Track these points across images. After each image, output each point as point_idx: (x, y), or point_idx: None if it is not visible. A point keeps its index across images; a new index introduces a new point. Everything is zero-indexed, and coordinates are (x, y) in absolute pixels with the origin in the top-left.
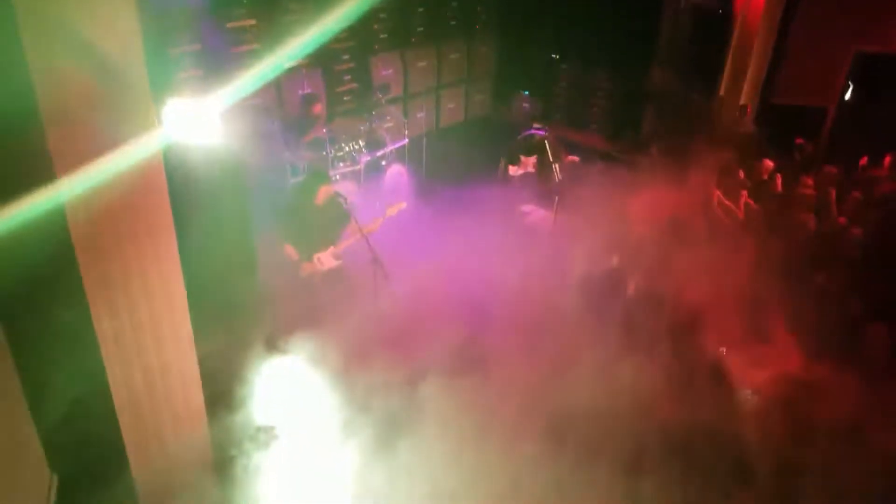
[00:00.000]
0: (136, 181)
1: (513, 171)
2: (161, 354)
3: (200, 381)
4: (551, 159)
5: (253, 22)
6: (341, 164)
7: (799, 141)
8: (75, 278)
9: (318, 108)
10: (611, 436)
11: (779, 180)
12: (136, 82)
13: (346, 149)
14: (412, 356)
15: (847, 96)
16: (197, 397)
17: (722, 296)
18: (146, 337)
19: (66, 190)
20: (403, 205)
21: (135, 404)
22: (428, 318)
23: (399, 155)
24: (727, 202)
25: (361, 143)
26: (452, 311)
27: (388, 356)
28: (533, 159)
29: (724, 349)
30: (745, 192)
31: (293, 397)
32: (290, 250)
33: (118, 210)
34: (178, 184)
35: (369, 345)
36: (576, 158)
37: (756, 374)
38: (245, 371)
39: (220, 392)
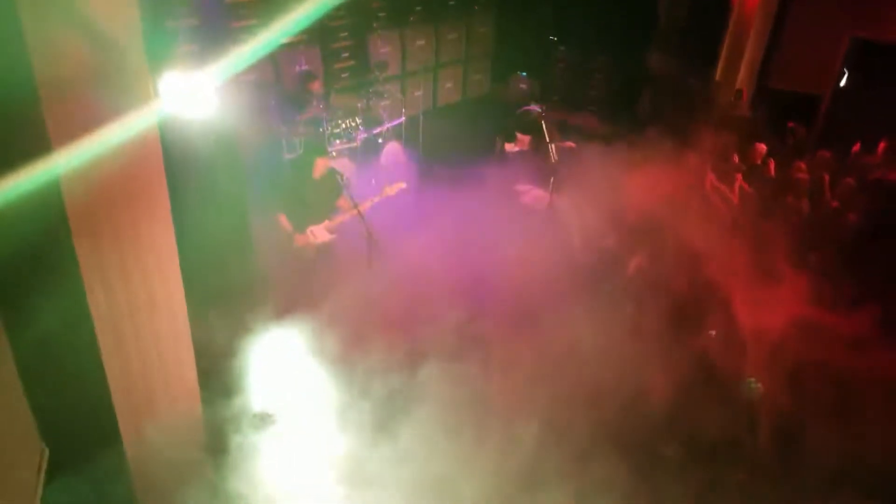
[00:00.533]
0: (132, 154)
1: (509, 147)
2: (155, 329)
3: (194, 358)
4: (548, 139)
5: None
6: (338, 141)
7: (791, 125)
8: (69, 252)
9: (316, 86)
10: (603, 419)
11: (772, 164)
12: (133, 55)
13: (343, 126)
14: (404, 335)
15: (842, 83)
16: (191, 374)
17: (716, 278)
18: (140, 312)
19: (62, 163)
20: (403, 185)
21: (128, 379)
22: (420, 296)
23: (396, 133)
24: (721, 185)
25: (358, 120)
26: (445, 291)
27: (381, 335)
28: (529, 137)
29: (713, 332)
30: (739, 176)
31: (286, 377)
32: (285, 221)
33: (114, 183)
34: (174, 157)
35: (363, 323)
36: (572, 144)
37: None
38: (240, 350)
39: (215, 370)
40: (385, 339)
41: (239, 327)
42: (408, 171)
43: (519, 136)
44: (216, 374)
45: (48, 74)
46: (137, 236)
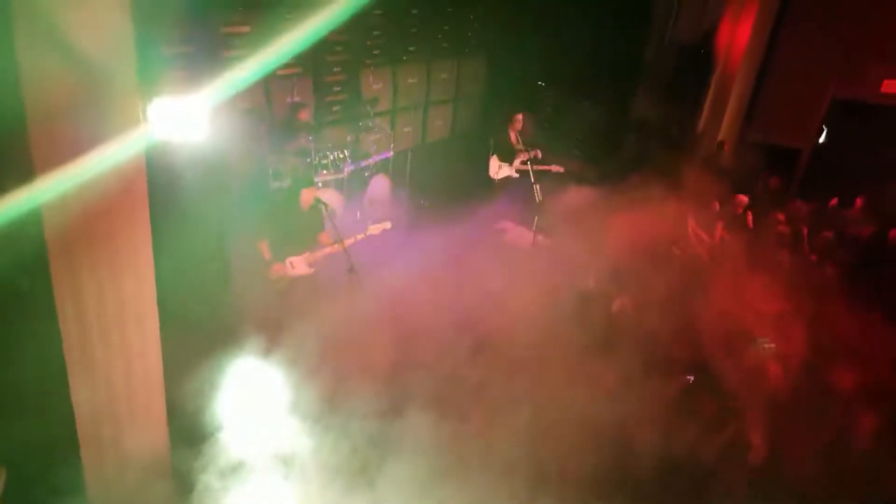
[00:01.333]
0: (117, 182)
1: (493, 172)
2: (126, 357)
3: (163, 385)
4: (532, 180)
5: (248, 29)
6: (325, 172)
7: (766, 176)
8: (44, 275)
9: (305, 115)
10: (583, 458)
11: (749, 215)
12: (124, 83)
13: (331, 157)
14: (374, 376)
15: (822, 139)
16: (158, 403)
17: (698, 322)
18: (112, 337)
19: (45, 187)
20: (388, 225)
21: (93, 404)
22: (396, 336)
23: (383, 167)
24: (701, 232)
25: (347, 152)
26: (421, 331)
27: (351, 374)
28: (516, 163)
29: (690, 378)
30: (720, 224)
31: (253, 412)
32: (265, 248)
33: (96, 211)
34: (158, 181)
35: (333, 360)
36: (561, 168)
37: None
38: (209, 382)
39: (183, 401)
40: (355, 379)
41: (210, 358)
42: (393, 204)
43: (504, 164)
44: (184, 406)
45: (38, 102)
46: (116, 262)
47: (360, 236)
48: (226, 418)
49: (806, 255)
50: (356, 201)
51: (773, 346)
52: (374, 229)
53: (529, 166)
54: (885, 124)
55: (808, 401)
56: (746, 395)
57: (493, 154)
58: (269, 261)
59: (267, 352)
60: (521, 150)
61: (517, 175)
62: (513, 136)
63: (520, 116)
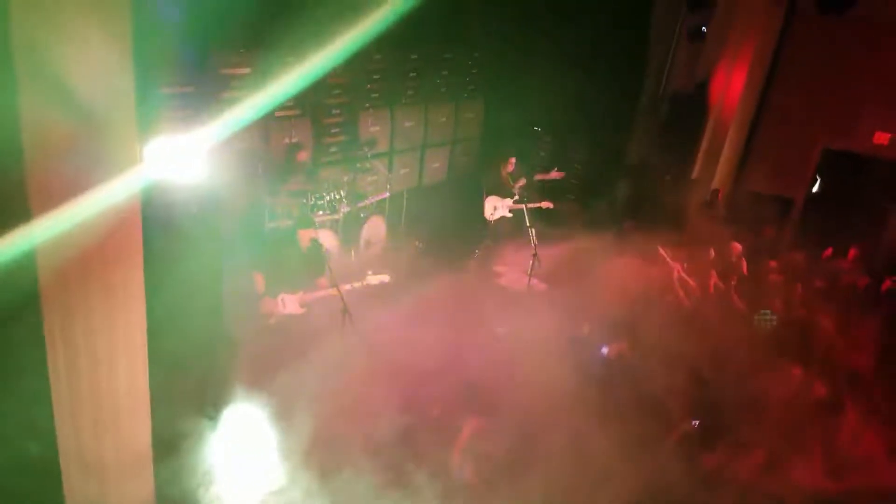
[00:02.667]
0: (112, 222)
1: (489, 213)
2: (113, 395)
3: (150, 429)
4: (528, 223)
5: (247, 70)
6: (321, 213)
7: (761, 226)
8: (35, 316)
9: (303, 156)
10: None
11: (744, 264)
12: (123, 124)
13: (328, 198)
14: (358, 423)
15: (815, 189)
16: (144, 441)
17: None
18: (100, 372)
19: (41, 228)
20: (387, 279)
21: (78, 439)
22: (384, 382)
23: (380, 208)
24: (688, 280)
25: (343, 193)
26: (408, 373)
27: (335, 419)
28: (510, 203)
29: (695, 422)
30: (713, 272)
31: (238, 452)
32: (260, 281)
33: (91, 250)
34: (154, 219)
35: (322, 404)
36: (550, 204)
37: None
38: (197, 421)
39: (169, 439)
40: (338, 424)
41: (199, 397)
42: (388, 246)
43: (498, 202)
44: (171, 443)
45: (37, 142)
46: (107, 301)
47: (357, 284)
48: (211, 463)
49: (799, 304)
50: (351, 242)
51: (774, 317)
52: (373, 279)
53: (524, 205)
54: (877, 175)
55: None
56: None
57: (486, 195)
58: (261, 294)
59: (251, 394)
60: (513, 191)
61: (511, 215)
62: (504, 176)
63: (513, 159)
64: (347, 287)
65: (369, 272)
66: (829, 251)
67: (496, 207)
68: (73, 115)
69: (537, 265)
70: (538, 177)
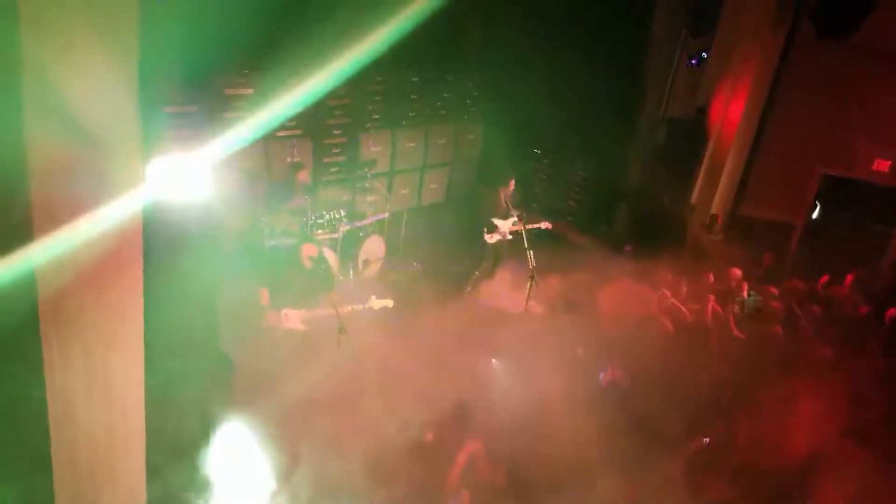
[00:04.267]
0: (112, 242)
1: (488, 235)
2: (108, 417)
3: (144, 453)
4: (526, 245)
5: (250, 91)
6: (320, 231)
7: (759, 250)
8: (34, 336)
9: (303, 176)
10: None
11: (745, 289)
12: (127, 145)
13: (327, 217)
14: (355, 444)
15: (814, 215)
16: (138, 466)
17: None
18: (96, 392)
19: (42, 248)
20: (390, 304)
21: (73, 465)
22: (374, 398)
23: (379, 227)
24: (680, 305)
25: (342, 212)
26: (400, 394)
27: (334, 440)
28: (509, 225)
29: (706, 440)
30: (711, 297)
31: (232, 472)
32: (265, 296)
33: (90, 269)
34: (154, 236)
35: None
36: (549, 224)
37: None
38: (193, 443)
39: (164, 462)
40: (331, 445)
41: (195, 418)
42: (385, 264)
43: (498, 224)
44: (165, 466)
45: (41, 164)
46: (106, 320)
47: (359, 307)
48: (205, 482)
49: (800, 331)
50: (350, 261)
51: (760, 297)
52: (375, 304)
53: (522, 226)
54: (877, 202)
55: None
56: None
57: (486, 219)
58: (265, 307)
59: (245, 412)
60: (511, 213)
61: (511, 237)
62: (502, 199)
63: (512, 182)
64: (349, 309)
65: (373, 296)
66: (825, 279)
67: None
68: (77, 135)
69: (535, 288)
70: (528, 226)
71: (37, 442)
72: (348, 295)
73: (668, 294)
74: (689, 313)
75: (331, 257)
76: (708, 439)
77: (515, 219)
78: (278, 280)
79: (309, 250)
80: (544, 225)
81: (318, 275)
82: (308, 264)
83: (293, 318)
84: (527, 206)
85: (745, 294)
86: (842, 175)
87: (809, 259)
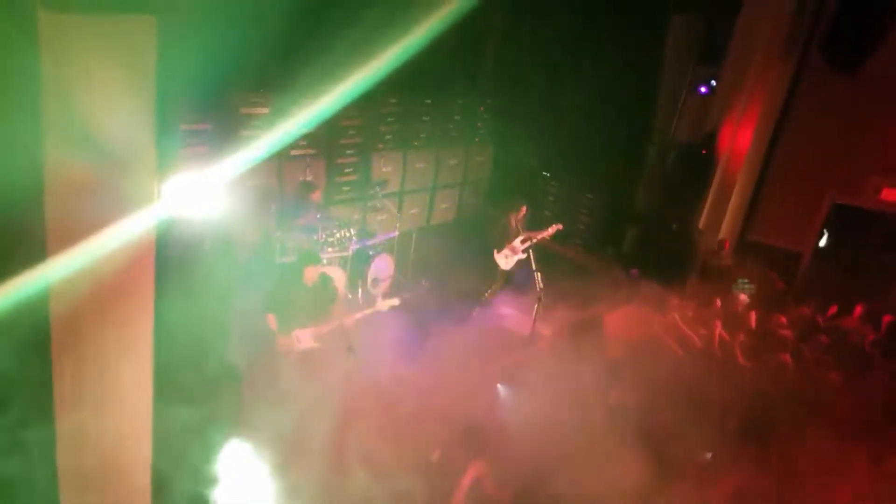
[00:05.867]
0: (125, 259)
1: (503, 262)
2: (116, 429)
3: (150, 465)
4: (534, 267)
5: (266, 110)
6: (330, 249)
7: (772, 277)
8: (45, 354)
9: (316, 196)
10: None
11: (753, 317)
12: (142, 163)
13: (338, 235)
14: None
15: (822, 243)
16: (145, 480)
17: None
18: (105, 408)
19: (56, 266)
20: (397, 302)
21: (81, 477)
22: (388, 423)
23: (388, 246)
24: (687, 330)
25: (353, 231)
26: (405, 415)
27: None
28: (520, 243)
29: (709, 455)
30: (718, 323)
31: (238, 485)
32: (272, 321)
33: (103, 286)
34: (166, 252)
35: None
36: (560, 226)
37: None
38: (199, 460)
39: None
40: (340, 465)
41: (202, 434)
42: (394, 283)
43: (508, 244)
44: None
45: (57, 183)
46: (117, 336)
47: (368, 311)
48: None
49: (807, 360)
50: (359, 279)
51: (753, 286)
52: (383, 305)
53: (534, 237)
54: (885, 230)
55: None
56: None
57: (497, 247)
58: (275, 333)
59: (253, 434)
60: (521, 236)
61: (525, 255)
62: (513, 223)
63: (524, 208)
64: (359, 315)
65: (379, 298)
66: (834, 309)
67: (507, 256)
68: (93, 152)
69: (541, 310)
70: (537, 236)
71: (46, 454)
72: (352, 306)
73: (678, 318)
74: (697, 339)
75: (340, 275)
76: (710, 454)
77: (524, 236)
78: (283, 302)
79: (312, 272)
80: (554, 228)
81: (322, 291)
82: (311, 282)
83: (304, 338)
84: (537, 227)
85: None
86: (850, 203)
87: (817, 287)
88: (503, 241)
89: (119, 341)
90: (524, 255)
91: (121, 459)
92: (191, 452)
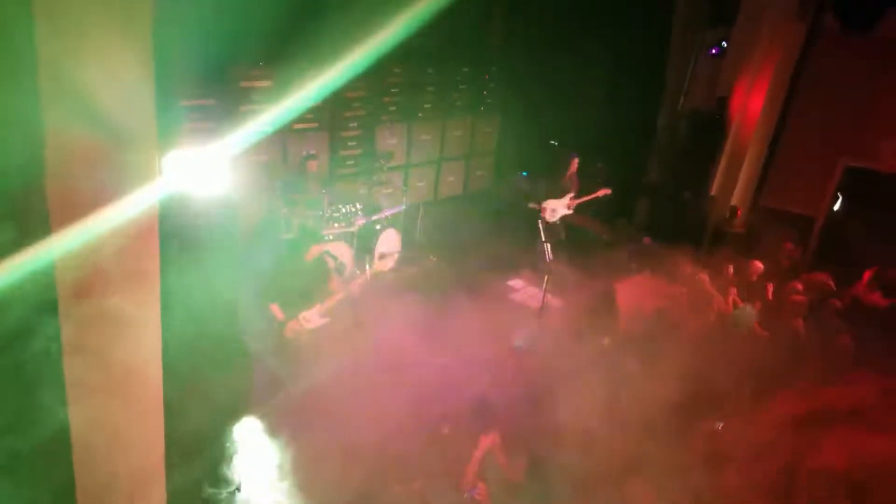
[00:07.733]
0: (129, 234)
1: (549, 215)
2: (127, 413)
3: (163, 445)
4: (543, 238)
5: (268, 84)
6: (336, 225)
7: (788, 245)
8: (53, 328)
9: (313, 166)
10: None
11: (770, 288)
12: (143, 138)
13: (344, 210)
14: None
15: (836, 207)
16: (158, 459)
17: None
18: (115, 391)
19: (59, 241)
20: (391, 262)
21: (93, 457)
22: (398, 396)
23: (395, 221)
24: (714, 292)
25: (359, 205)
26: (421, 393)
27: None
28: (566, 200)
29: (720, 424)
30: (733, 290)
31: (256, 471)
32: (276, 310)
33: (106, 261)
34: (169, 230)
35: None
36: (608, 190)
37: None
38: (212, 441)
39: (183, 456)
40: (353, 441)
41: (214, 417)
42: (401, 257)
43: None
44: (185, 461)
45: (58, 157)
46: (123, 312)
47: (368, 273)
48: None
49: (823, 324)
50: (366, 254)
51: (754, 311)
52: (381, 266)
53: (582, 198)
54: None
55: None
56: None
57: (541, 201)
58: (282, 321)
59: (277, 411)
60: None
61: (571, 212)
62: (566, 178)
63: (576, 160)
64: (360, 281)
65: (376, 260)
66: (850, 273)
67: (555, 209)
68: (93, 128)
69: (552, 281)
70: (586, 198)
71: (55, 434)
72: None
73: (706, 279)
74: (720, 300)
75: (346, 251)
76: (721, 424)
77: (573, 193)
78: (285, 288)
79: (316, 249)
80: (603, 192)
81: (320, 268)
82: (310, 259)
83: (312, 318)
84: (549, 196)
85: (732, 306)
86: (864, 166)
87: (832, 251)
88: (549, 195)
89: (126, 315)
90: (570, 212)
91: (133, 433)
92: (202, 425)
